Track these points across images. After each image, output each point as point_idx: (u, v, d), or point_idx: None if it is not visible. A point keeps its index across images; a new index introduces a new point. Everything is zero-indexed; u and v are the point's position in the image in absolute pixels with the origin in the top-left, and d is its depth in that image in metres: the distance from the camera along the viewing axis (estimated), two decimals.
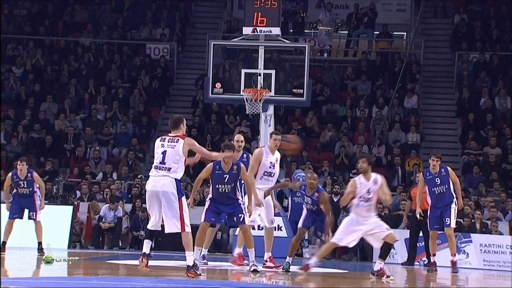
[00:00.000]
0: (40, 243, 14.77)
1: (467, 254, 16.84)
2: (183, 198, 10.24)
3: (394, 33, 26.66)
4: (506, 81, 23.65)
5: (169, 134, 10.39)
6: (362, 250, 18.27)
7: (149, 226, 10.48)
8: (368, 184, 12.03)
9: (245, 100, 16.30)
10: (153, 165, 10.25)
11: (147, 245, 10.42)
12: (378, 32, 26.26)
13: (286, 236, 16.64)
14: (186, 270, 10.35)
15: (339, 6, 26.72)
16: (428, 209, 14.56)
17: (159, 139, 10.45)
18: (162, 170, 10.11)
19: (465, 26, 25.68)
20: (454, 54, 24.94)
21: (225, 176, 11.42)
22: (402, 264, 17.02)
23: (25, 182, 14.97)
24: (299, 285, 11.02)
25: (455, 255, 14.37)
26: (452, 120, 23.66)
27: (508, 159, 21.32)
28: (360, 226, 11.97)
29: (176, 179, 10.11)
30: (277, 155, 12.36)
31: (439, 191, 14.23)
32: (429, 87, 24.72)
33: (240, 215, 11.46)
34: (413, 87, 24.00)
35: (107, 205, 18.55)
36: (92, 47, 25.35)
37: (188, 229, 10.28)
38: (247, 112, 17.23)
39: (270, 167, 12.18)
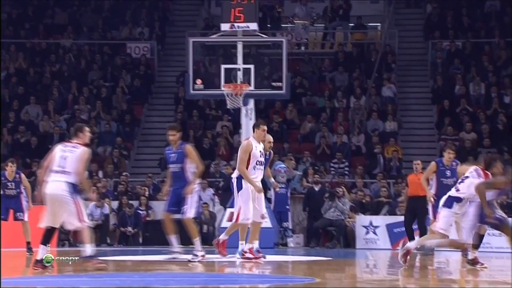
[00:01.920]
0: (28, 243, 14.65)
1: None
2: (79, 197, 10.24)
3: (369, 24, 26.68)
4: (479, 67, 23.74)
5: (71, 141, 10.40)
6: (345, 237, 18.31)
7: (43, 225, 10.42)
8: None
9: (225, 95, 16.27)
10: (51, 169, 10.26)
11: (42, 251, 10.33)
12: (353, 24, 26.27)
13: (271, 226, 16.66)
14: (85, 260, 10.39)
15: (314, 0, 26.77)
16: (428, 196, 14.72)
17: (60, 145, 10.45)
18: (59, 173, 10.12)
19: (437, 15, 25.77)
20: (428, 43, 25.03)
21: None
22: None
23: (13, 183, 14.86)
24: (285, 274, 11.00)
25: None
26: (428, 107, 23.73)
27: (483, 143, 21.39)
28: None
29: (71, 182, 10.10)
30: (262, 145, 12.31)
31: (447, 182, 14.38)
32: (404, 76, 24.78)
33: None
34: (389, 77, 24.04)
35: (94, 203, 18.48)
36: (73, 48, 25.19)
37: (86, 224, 10.30)
38: (228, 107, 17.23)
39: (260, 156, 12.11)
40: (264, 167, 12.34)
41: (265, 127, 12.31)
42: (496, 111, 22.42)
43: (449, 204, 11.42)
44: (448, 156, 14.61)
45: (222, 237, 12.64)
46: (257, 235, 12.38)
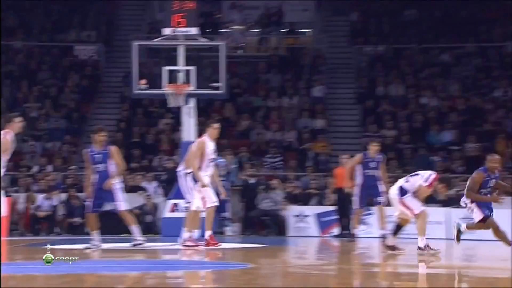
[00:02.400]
0: None
1: (371, 225, 17.05)
2: None
3: (300, 30, 26.80)
4: (398, 70, 24.09)
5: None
6: (278, 226, 18.37)
7: None
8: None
9: (168, 94, 16.20)
10: None
11: None
12: (286, 30, 26.38)
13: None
14: None
15: (250, 7, 26.81)
16: (354, 187, 14.83)
17: None
18: None
19: (361, 23, 26.06)
20: (353, 48, 25.27)
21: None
22: (336, 236, 17.10)
23: None
24: (222, 260, 10.98)
25: (384, 228, 14.74)
26: (353, 106, 23.92)
27: (402, 140, 21.70)
28: None
29: None
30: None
31: (371, 173, 14.58)
32: (332, 78, 24.94)
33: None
34: (318, 78, 24.22)
35: (43, 195, 18.24)
36: (24, 49, 24.76)
37: None
38: (170, 106, 17.14)
39: (212, 154, 12.12)
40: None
41: (217, 125, 12.28)
42: (414, 110, 22.77)
43: (403, 193, 11.59)
44: (373, 148, 14.80)
45: (207, 235, 12.39)
46: (198, 224, 12.36)
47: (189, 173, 12.11)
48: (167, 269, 9.60)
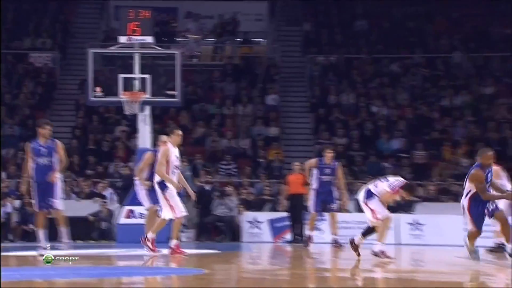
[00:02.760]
0: None
1: (323, 230, 17.11)
2: None
3: (254, 40, 26.86)
4: (349, 80, 24.27)
5: None
6: (232, 232, 18.34)
7: None
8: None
9: (123, 102, 16.08)
10: None
11: None
12: (240, 39, 26.42)
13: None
14: None
15: (205, 16, 26.79)
16: (309, 192, 14.93)
17: None
18: None
19: (313, 33, 26.21)
20: (306, 58, 25.40)
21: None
22: (289, 242, 17.11)
23: None
24: (177, 266, 10.91)
25: (336, 233, 14.84)
26: (306, 115, 24.04)
27: (353, 147, 21.85)
28: None
29: None
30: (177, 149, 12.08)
31: (326, 179, 14.64)
32: (285, 86, 25.03)
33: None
34: (272, 87, 24.28)
35: None
36: None
37: None
38: (125, 113, 17.02)
39: (176, 161, 11.88)
40: (177, 169, 12.09)
41: (180, 132, 12.04)
42: (364, 119, 22.95)
43: (369, 196, 11.51)
44: (328, 155, 14.88)
45: (173, 243, 12.00)
46: (160, 229, 12.13)
47: (160, 182, 11.88)
48: (122, 275, 9.49)
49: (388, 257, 11.50)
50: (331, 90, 23.93)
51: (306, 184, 15.82)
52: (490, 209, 11.05)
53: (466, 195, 10.94)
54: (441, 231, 17.60)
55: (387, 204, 11.71)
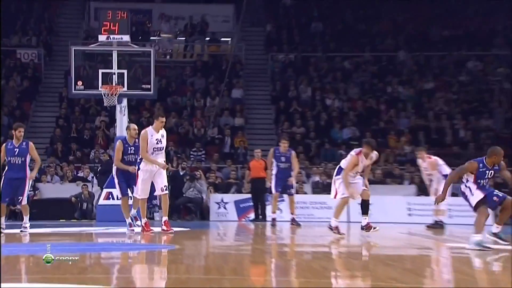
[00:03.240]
0: None
1: (281, 210, 17.15)
2: None
3: (222, 39, 26.78)
4: (307, 75, 24.34)
5: None
6: (201, 212, 18.32)
7: None
8: (366, 161, 11.73)
9: (103, 94, 15.96)
10: None
11: None
12: (208, 39, 26.34)
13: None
14: None
15: (177, 18, 26.67)
16: (267, 177, 15.09)
17: None
18: None
19: (274, 33, 26.22)
20: (268, 55, 25.41)
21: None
22: (252, 220, 17.11)
23: None
24: (152, 242, 10.87)
25: (293, 213, 14.87)
26: (268, 107, 24.06)
27: (309, 136, 21.93)
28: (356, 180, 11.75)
29: None
30: (162, 132, 11.56)
31: (283, 166, 14.68)
32: (249, 81, 25.03)
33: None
34: (237, 82, 24.26)
35: None
36: None
37: None
38: (105, 105, 16.87)
39: (157, 143, 11.44)
40: (160, 150, 11.56)
41: (163, 119, 11.68)
42: (319, 110, 23.06)
43: (338, 173, 11.53)
44: (283, 145, 14.92)
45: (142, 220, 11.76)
46: (167, 208, 11.74)
47: (139, 161, 11.46)
48: (102, 251, 9.45)
49: (340, 233, 11.57)
50: (290, 85, 23.97)
51: (266, 168, 15.88)
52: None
53: (466, 183, 9.77)
54: (386, 210, 17.75)
55: (354, 170, 11.55)
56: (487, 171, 9.59)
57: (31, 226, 12.10)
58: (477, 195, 9.49)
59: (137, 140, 11.72)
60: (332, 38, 25.95)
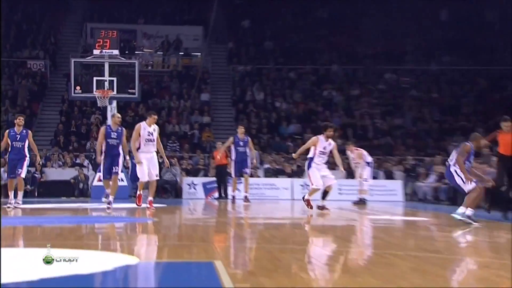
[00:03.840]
0: None
1: (239, 190, 17.10)
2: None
3: (193, 53, 26.61)
4: (260, 83, 24.34)
5: None
6: (176, 191, 18.16)
7: None
8: (326, 144, 11.05)
9: (96, 97, 15.72)
10: None
11: None
12: (182, 53, 26.14)
13: (126, 185, 16.38)
14: None
15: (157, 36, 26.45)
16: (230, 163, 14.81)
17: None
18: None
19: (235, 49, 26.14)
20: (229, 67, 25.33)
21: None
22: (216, 199, 16.99)
23: None
24: (135, 216, 10.76)
25: (247, 192, 14.67)
26: (230, 107, 23.97)
27: (262, 131, 21.94)
28: (323, 172, 11.03)
29: None
30: (154, 127, 11.10)
31: (242, 150, 14.49)
32: (215, 87, 24.90)
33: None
34: (205, 87, 24.14)
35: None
36: None
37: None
38: (98, 105, 16.64)
39: (148, 135, 11.07)
40: (151, 142, 11.14)
41: (155, 116, 11.35)
42: (270, 111, 23.09)
43: (309, 165, 10.97)
44: (240, 130, 14.67)
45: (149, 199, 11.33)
46: (154, 190, 11.36)
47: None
48: (95, 222, 9.32)
49: (311, 208, 11.06)
50: (247, 90, 23.95)
51: (227, 157, 15.81)
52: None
53: (454, 164, 8.96)
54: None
55: (324, 159, 11.03)
56: (472, 155, 8.92)
57: (37, 203, 11.86)
58: (470, 184, 8.75)
59: (120, 128, 11.25)
60: (280, 53, 25.99)
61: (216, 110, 23.97)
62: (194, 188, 17.97)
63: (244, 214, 11.77)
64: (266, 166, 19.24)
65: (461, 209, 8.84)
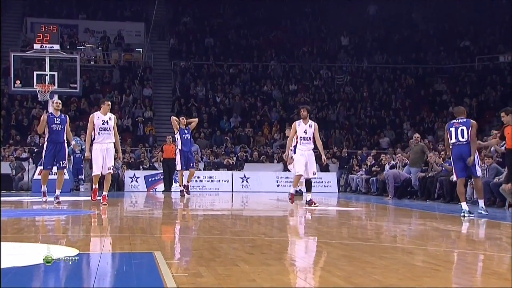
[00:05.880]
0: None
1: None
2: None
3: (136, 49, 26.21)
4: (201, 79, 24.29)
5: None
6: (118, 184, 17.89)
7: None
8: (305, 127, 10.34)
9: (37, 91, 15.24)
10: None
11: None
12: (124, 48, 25.70)
13: (68, 178, 15.92)
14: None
15: (99, 31, 25.91)
16: (176, 156, 14.32)
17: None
18: None
19: (176, 45, 25.95)
20: (171, 63, 25.10)
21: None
22: (163, 191, 16.74)
23: None
24: (78, 209, 10.52)
25: (188, 182, 14.33)
26: (171, 102, 23.81)
27: (204, 125, 21.86)
28: (307, 158, 10.29)
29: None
30: (109, 115, 10.54)
31: (187, 137, 14.01)
32: (157, 82, 24.66)
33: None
34: (147, 83, 23.82)
35: None
36: None
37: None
38: (39, 99, 16.14)
39: (103, 124, 10.50)
40: (106, 131, 10.48)
41: (109, 103, 10.80)
42: (211, 105, 23.07)
43: (294, 152, 10.38)
44: (182, 121, 14.22)
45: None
46: (108, 184, 10.82)
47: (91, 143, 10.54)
48: (35, 215, 9.05)
49: (313, 204, 10.47)
50: (188, 85, 23.82)
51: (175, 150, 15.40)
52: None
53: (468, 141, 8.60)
54: (261, 182, 18.08)
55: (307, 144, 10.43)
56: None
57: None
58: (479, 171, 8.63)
59: (62, 114, 10.86)
60: (220, 50, 25.98)
61: (158, 104, 23.72)
62: (136, 181, 17.74)
63: (184, 206, 11.73)
64: (207, 160, 19.22)
65: (481, 203, 8.71)
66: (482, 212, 8.68)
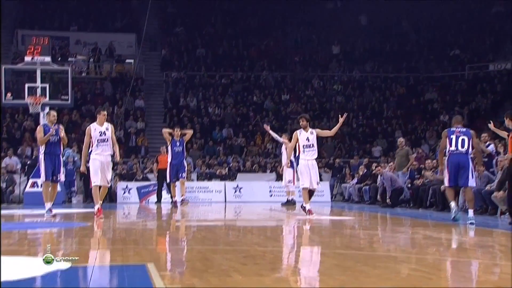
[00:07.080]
0: None
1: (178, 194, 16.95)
2: None
3: (127, 60, 26.21)
4: (193, 89, 24.30)
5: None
6: (110, 196, 17.81)
7: None
8: (307, 134, 10.19)
9: (28, 104, 15.20)
10: None
11: None
12: (116, 59, 25.70)
13: (60, 190, 15.82)
14: None
15: (90, 43, 25.90)
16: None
17: None
18: None
19: (168, 56, 25.99)
20: (163, 73, 25.12)
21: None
22: (156, 203, 16.66)
23: None
24: (70, 221, 10.47)
25: (183, 195, 14.08)
26: (163, 113, 23.79)
27: (196, 136, 21.81)
28: (311, 169, 10.15)
29: None
30: (106, 125, 10.29)
31: (178, 150, 13.77)
32: (149, 93, 24.64)
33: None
34: (139, 94, 23.81)
35: None
36: None
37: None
38: (30, 112, 16.11)
39: (101, 135, 10.22)
40: (105, 142, 10.29)
41: (105, 112, 10.44)
42: (203, 116, 23.07)
43: (292, 165, 10.49)
44: (177, 133, 14.14)
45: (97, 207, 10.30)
46: (103, 197, 10.52)
47: (89, 154, 10.33)
48: (28, 228, 9.00)
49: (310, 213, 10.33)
50: (180, 96, 23.83)
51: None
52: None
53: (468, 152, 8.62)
54: (254, 192, 18.06)
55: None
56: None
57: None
58: (474, 181, 8.58)
59: (57, 124, 10.74)
60: (212, 61, 26.04)
61: (150, 115, 23.69)
62: (129, 193, 17.68)
63: (177, 217, 11.70)
64: (200, 170, 19.20)
65: (470, 213, 8.61)
66: (472, 221, 8.64)
